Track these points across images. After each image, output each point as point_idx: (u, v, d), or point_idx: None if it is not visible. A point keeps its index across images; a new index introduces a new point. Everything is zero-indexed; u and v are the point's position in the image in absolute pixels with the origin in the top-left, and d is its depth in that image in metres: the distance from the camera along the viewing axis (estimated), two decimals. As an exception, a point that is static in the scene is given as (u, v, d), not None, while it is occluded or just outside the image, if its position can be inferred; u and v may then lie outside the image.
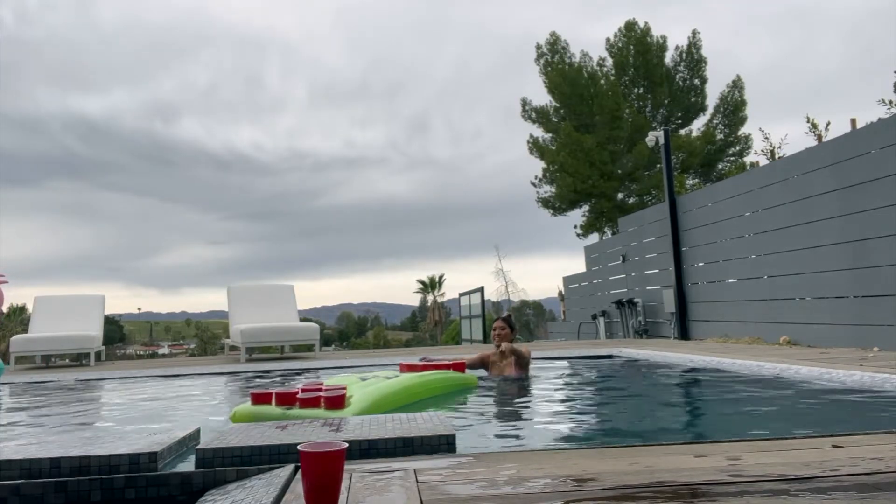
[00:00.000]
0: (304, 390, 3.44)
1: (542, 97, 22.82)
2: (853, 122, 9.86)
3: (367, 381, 4.11)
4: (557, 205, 22.95)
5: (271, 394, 3.45)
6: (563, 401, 4.39)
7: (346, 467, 1.78)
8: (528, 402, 4.31)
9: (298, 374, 6.53)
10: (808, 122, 13.48)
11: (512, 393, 4.63)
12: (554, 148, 22.45)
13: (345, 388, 3.46)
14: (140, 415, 4.32)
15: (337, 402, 3.25)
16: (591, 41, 22.03)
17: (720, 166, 22.64)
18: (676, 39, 22.81)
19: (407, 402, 3.95)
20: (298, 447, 1.58)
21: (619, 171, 21.78)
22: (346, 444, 1.59)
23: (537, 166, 23.17)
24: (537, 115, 22.88)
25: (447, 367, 4.66)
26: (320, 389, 3.45)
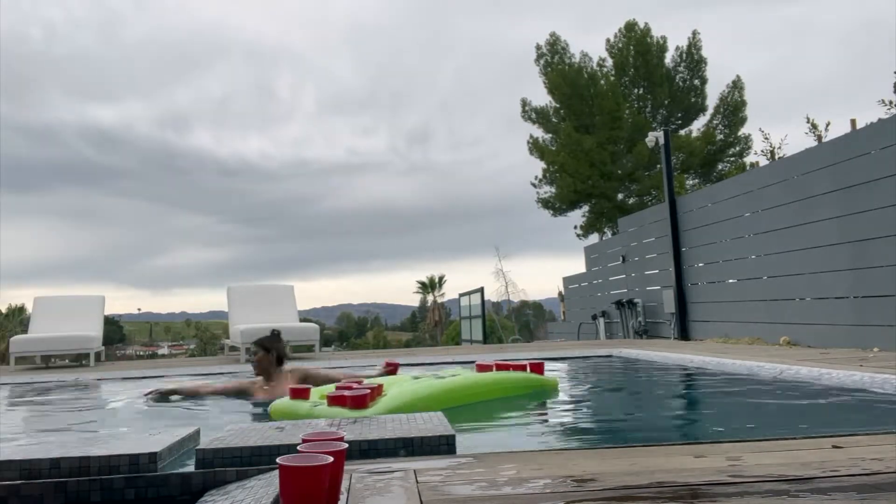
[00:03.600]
0: (338, 388, 3.53)
1: (542, 98, 22.85)
2: (853, 122, 9.87)
3: (417, 379, 4.10)
4: (557, 205, 22.95)
5: (308, 389, 3.63)
6: (563, 401, 4.39)
7: (346, 467, 1.78)
8: (529, 402, 4.31)
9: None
10: (807, 122, 13.50)
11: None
12: (554, 148, 22.45)
13: (370, 389, 3.48)
14: (140, 415, 4.32)
15: (359, 401, 3.29)
16: (592, 52, 22.01)
17: (720, 167, 22.64)
18: (676, 41, 22.79)
19: (457, 403, 3.85)
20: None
21: (619, 172, 21.79)
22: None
23: (537, 167, 23.19)
24: (537, 116, 22.88)
25: (522, 367, 4.55)
26: (350, 388, 3.51)
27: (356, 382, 3.71)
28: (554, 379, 4.63)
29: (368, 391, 3.38)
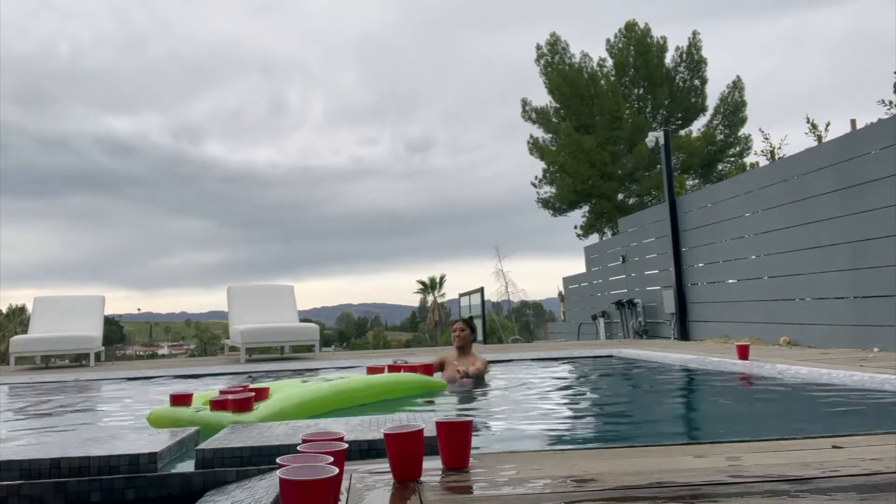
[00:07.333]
0: (222, 392, 3.50)
1: (542, 98, 22.86)
2: (853, 122, 9.87)
3: (306, 383, 4.08)
4: (557, 205, 22.95)
5: (190, 395, 3.59)
6: (562, 401, 4.39)
7: (346, 467, 1.78)
8: (529, 403, 4.31)
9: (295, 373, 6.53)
10: (807, 122, 13.51)
11: (465, 396, 4.60)
12: (554, 148, 22.45)
13: (254, 392, 3.45)
14: (140, 415, 4.31)
15: (242, 405, 3.26)
16: (592, 52, 22.15)
17: (720, 167, 22.64)
18: (676, 41, 22.79)
19: (346, 405, 3.88)
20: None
21: (620, 172, 21.78)
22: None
23: (537, 168, 23.19)
24: (537, 116, 22.88)
25: (413, 369, 4.64)
26: (236, 392, 3.47)
27: (242, 387, 3.65)
28: (441, 381, 4.69)
29: (252, 395, 3.36)
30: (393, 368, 4.66)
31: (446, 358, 5.27)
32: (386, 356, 8.24)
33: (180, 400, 3.54)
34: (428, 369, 4.70)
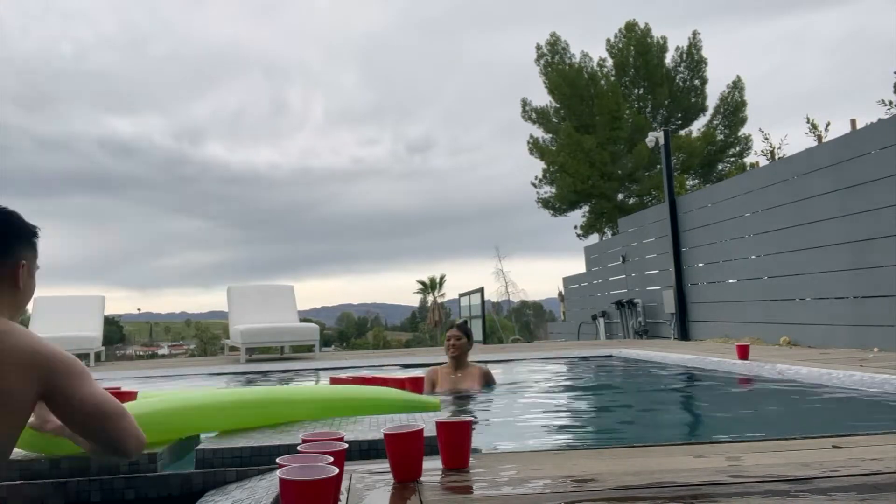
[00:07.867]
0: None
1: (542, 98, 22.86)
2: (853, 122, 9.87)
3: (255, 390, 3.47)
4: (557, 205, 22.95)
5: (134, 393, 3.12)
6: (562, 401, 4.39)
7: (346, 467, 1.78)
8: (529, 403, 4.31)
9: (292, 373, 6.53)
10: (807, 122, 13.52)
11: (467, 408, 4.00)
12: (554, 148, 22.45)
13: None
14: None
15: None
16: (592, 52, 22.19)
17: (720, 167, 22.65)
18: (676, 41, 22.79)
19: (250, 424, 2.68)
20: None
21: (620, 172, 21.78)
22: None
23: (537, 168, 23.20)
24: (538, 116, 22.87)
25: (401, 384, 3.46)
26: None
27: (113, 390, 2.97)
28: (434, 401, 3.42)
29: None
30: (348, 381, 3.57)
31: (437, 373, 4.42)
32: (386, 356, 8.25)
33: (123, 398, 3.39)
34: (417, 384, 3.56)
